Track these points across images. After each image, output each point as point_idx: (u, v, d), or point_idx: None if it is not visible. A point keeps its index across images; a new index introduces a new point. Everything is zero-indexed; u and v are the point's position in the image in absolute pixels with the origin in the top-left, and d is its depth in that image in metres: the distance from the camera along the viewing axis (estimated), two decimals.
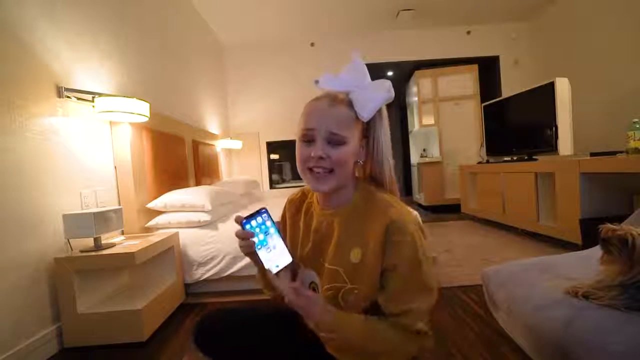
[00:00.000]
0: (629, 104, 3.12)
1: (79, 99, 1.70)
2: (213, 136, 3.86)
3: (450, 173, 4.69)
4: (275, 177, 5.01)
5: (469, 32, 4.65)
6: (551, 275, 1.10)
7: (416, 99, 4.95)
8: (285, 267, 0.67)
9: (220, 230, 2.10)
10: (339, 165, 0.67)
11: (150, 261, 1.70)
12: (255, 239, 0.66)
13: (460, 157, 4.64)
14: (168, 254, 1.88)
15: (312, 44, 4.69)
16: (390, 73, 5.44)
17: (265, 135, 4.77)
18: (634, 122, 2.07)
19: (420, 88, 4.87)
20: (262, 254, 0.65)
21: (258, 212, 0.68)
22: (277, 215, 0.81)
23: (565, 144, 2.75)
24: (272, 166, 4.93)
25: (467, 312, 1.61)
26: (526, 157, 3.08)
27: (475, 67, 4.77)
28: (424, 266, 0.65)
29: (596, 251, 1.01)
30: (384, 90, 0.68)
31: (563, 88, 2.75)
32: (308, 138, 0.68)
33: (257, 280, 0.82)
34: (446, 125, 4.79)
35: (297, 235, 0.80)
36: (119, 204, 1.97)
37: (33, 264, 1.42)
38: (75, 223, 1.51)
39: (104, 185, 1.88)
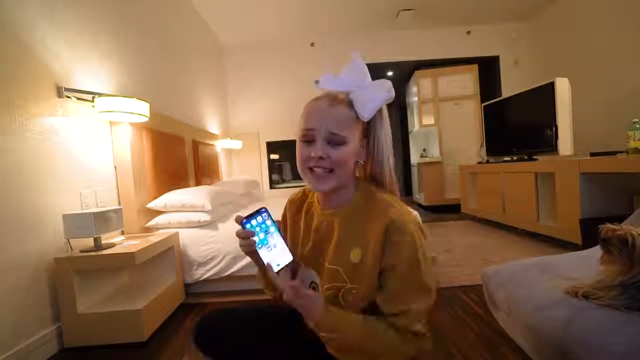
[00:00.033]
0: (629, 104, 3.12)
1: (79, 99, 1.70)
2: (213, 136, 3.86)
3: (450, 173, 4.69)
4: (275, 177, 5.01)
5: (469, 32, 4.65)
6: (551, 275, 1.10)
7: (416, 99, 4.95)
8: (286, 265, 0.67)
9: (220, 230, 2.10)
10: (339, 166, 0.67)
11: (150, 261, 1.70)
12: (255, 238, 0.66)
13: (460, 157, 4.64)
14: (168, 254, 1.88)
15: (312, 44, 4.69)
16: (390, 73, 5.44)
17: (265, 135, 4.77)
18: (634, 122, 2.07)
19: (420, 88, 4.87)
20: (262, 253, 0.65)
21: (258, 212, 0.68)
22: (277, 215, 0.82)
23: (565, 144, 2.75)
24: (272, 166, 4.93)
25: (467, 312, 1.61)
26: (526, 157, 3.08)
27: (475, 67, 4.77)
28: (423, 266, 0.65)
29: (596, 251, 1.01)
30: (385, 90, 0.68)
31: (563, 88, 2.75)
32: (308, 138, 0.68)
33: (258, 280, 0.82)
34: (446, 125, 4.79)
35: (298, 234, 0.80)
36: (119, 204, 1.97)
37: (33, 264, 1.42)
38: (75, 223, 1.51)
39: (104, 185, 1.88)
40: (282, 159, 5.09)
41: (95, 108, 1.74)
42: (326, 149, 0.66)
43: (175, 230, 2.05)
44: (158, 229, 2.09)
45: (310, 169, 0.69)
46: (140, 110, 1.85)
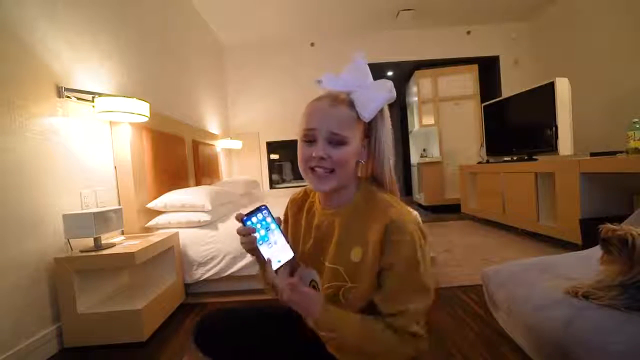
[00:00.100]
0: (629, 104, 3.12)
1: (79, 99, 1.70)
2: (213, 136, 3.86)
3: (450, 173, 4.69)
4: (275, 177, 5.01)
5: (469, 32, 4.65)
6: (551, 275, 1.10)
7: (416, 99, 4.95)
8: (287, 262, 0.67)
9: (220, 230, 2.10)
10: (340, 166, 0.67)
11: (150, 261, 1.70)
12: (256, 235, 0.66)
13: (460, 157, 4.64)
14: (168, 254, 1.88)
15: (312, 44, 4.69)
16: (390, 73, 5.44)
17: (265, 135, 4.77)
18: (634, 122, 2.07)
19: (420, 88, 4.87)
20: (263, 249, 0.66)
21: (258, 209, 0.68)
22: (278, 214, 0.82)
23: (565, 144, 2.75)
24: (272, 166, 4.93)
25: (467, 312, 1.61)
26: (526, 157, 3.08)
27: (475, 67, 4.77)
28: (422, 266, 0.65)
29: (596, 251, 1.01)
30: (386, 90, 0.68)
31: (563, 88, 2.75)
32: (309, 138, 0.68)
33: (259, 280, 0.82)
34: (446, 125, 4.79)
35: (299, 234, 0.80)
36: (119, 204, 1.97)
37: (33, 264, 1.42)
38: (75, 223, 1.51)
39: (104, 185, 1.88)
40: (282, 159, 5.09)
41: (95, 108, 1.74)
42: (327, 149, 0.67)
43: (175, 230, 2.05)
44: (158, 229, 2.10)
45: (312, 169, 0.69)
46: (140, 110, 1.85)
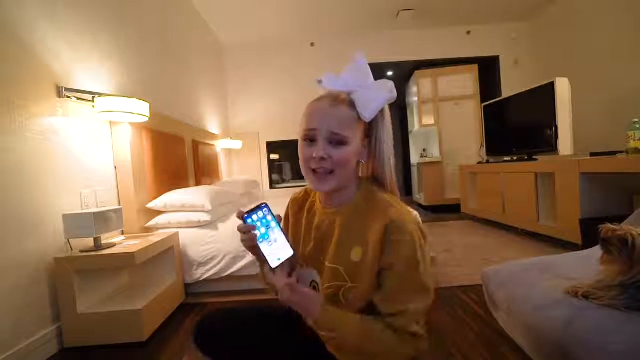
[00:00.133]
0: (629, 104, 3.12)
1: (79, 99, 1.70)
2: (213, 136, 3.86)
3: (450, 173, 4.69)
4: (275, 177, 5.01)
5: (469, 32, 4.65)
6: (551, 275, 1.10)
7: (416, 99, 4.95)
8: (287, 260, 0.67)
9: (220, 230, 2.10)
10: (341, 166, 0.67)
11: (150, 261, 1.70)
12: (257, 233, 0.66)
13: (460, 157, 4.64)
14: (168, 254, 1.88)
15: (312, 44, 4.69)
16: (390, 73, 5.44)
17: (265, 135, 4.77)
18: (634, 122, 2.07)
19: (420, 88, 4.87)
20: (263, 247, 0.66)
21: (259, 207, 0.68)
22: (278, 213, 0.82)
23: (565, 144, 2.75)
24: (272, 166, 4.93)
25: (467, 312, 1.61)
26: (526, 157, 3.08)
27: (475, 67, 4.77)
28: (422, 266, 0.65)
29: (596, 251, 1.01)
30: (387, 90, 0.68)
31: (563, 88, 2.75)
32: (310, 138, 0.68)
33: (260, 280, 0.82)
34: (446, 125, 4.79)
35: (299, 233, 0.80)
36: (119, 204, 1.97)
37: (33, 264, 1.42)
38: (75, 223, 1.51)
39: (104, 185, 1.88)
40: (282, 159, 5.09)
41: (95, 108, 1.74)
42: (328, 149, 0.67)
43: (175, 230, 2.05)
44: (158, 229, 2.10)
45: (313, 171, 0.69)
46: (140, 110, 1.85)
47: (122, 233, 1.96)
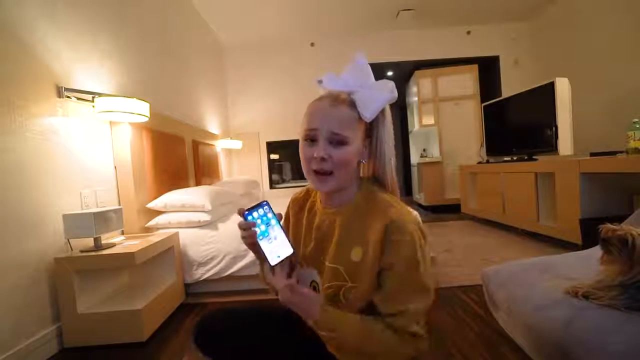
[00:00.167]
0: (629, 104, 3.12)
1: (79, 99, 1.70)
2: (213, 136, 3.86)
3: (450, 173, 4.69)
4: (275, 177, 5.01)
5: (469, 32, 4.65)
6: (551, 275, 1.10)
7: (416, 99, 4.95)
8: (287, 258, 0.67)
9: (220, 230, 2.10)
10: (341, 166, 0.67)
11: (150, 261, 1.70)
12: (257, 230, 0.66)
13: (460, 157, 4.64)
14: (168, 254, 1.88)
15: (312, 44, 4.69)
16: (390, 73, 5.45)
17: (265, 135, 4.77)
18: (634, 122, 2.07)
19: (420, 88, 4.87)
20: (263, 244, 0.66)
21: (260, 205, 0.69)
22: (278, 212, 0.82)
23: (565, 144, 2.75)
24: (272, 166, 4.93)
25: (467, 312, 1.61)
26: (526, 157, 3.08)
27: (475, 67, 4.77)
28: (422, 267, 0.65)
29: (596, 251, 1.01)
30: (387, 90, 0.68)
31: (563, 88, 2.75)
32: (311, 138, 0.68)
33: (261, 280, 0.82)
34: (446, 125, 4.79)
35: (300, 233, 0.80)
36: (119, 204, 1.97)
37: (33, 264, 1.42)
38: (75, 223, 1.51)
39: (104, 185, 1.88)
40: (282, 159, 5.09)
41: (95, 108, 1.74)
42: (328, 149, 0.67)
43: (175, 230, 2.05)
44: (158, 229, 2.10)
45: (314, 170, 0.69)
46: (140, 110, 1.85)
47: (122, 233, 1.96)
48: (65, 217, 1.52)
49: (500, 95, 4.35)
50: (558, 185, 2.48)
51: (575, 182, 2.29)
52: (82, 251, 1.54)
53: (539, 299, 0.98)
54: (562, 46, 4.01)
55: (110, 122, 1.96)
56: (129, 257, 1.49)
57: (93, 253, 1.51)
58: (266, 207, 0.69)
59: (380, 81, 0.70)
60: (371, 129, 0.72)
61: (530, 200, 2.81)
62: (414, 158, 5.44)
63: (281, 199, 2.86)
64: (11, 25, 1.40)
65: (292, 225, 0.84)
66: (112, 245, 1.64)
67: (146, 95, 2.29)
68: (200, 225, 2.11)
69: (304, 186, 0.88)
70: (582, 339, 0.78)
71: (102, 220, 1.57)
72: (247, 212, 0.67)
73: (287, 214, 0.87)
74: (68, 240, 1.56)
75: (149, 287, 1.78)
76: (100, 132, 1.89)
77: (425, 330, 0.67)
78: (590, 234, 2.05)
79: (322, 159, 0.66)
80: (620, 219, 1.11)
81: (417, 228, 0.67)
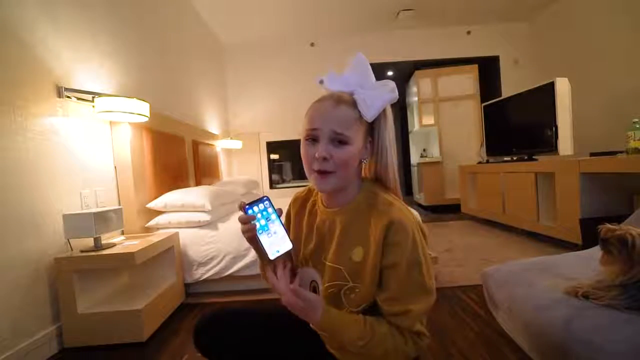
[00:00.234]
0: (629, 104, 3.12)
1: (79, 99, 1.70)
2: (213, 136, 3.86)
3: (450, 173, 4.69)
4: (275, 177, 5.01)
5: (469, 32, 4.65)
6: (551, 275, 1.10)
7: (416, 99, 4.95)
8: (286, 252, 0.67)
9: (220, 230, 2.10)
10: (342, 166, 0.67)
11: (150, 261, 1.70)
12: (257, 224, 0.67)
13: (460, 157, 4.64)
14: (168, 254, 1.88)
15: (312, 44, 4.69)
16: (390, 73, 5.45)
17: (265, 135, 4.77)
18: (634, 122, 2.07)
19: (420, 88, 4.87)
20: (263, 238, 0.67)
21: (260, 199, 0.69)
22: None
23: (565, 144, 2.75)
24: (272, 166, 4.93)
25: (467, 312, 1.61)
26: (526, 157, 3.08)
27: (475, 67, 4.77)
28: (424, 267, 0.65)
29: (596, 251, 1.01)
30: (388, 90, 0.68)
31: (563, 88, 2.75)
32: (312, 138, 0.68)
33: (263, 278, 0.81)
34: (446, 125, 4.79)
35: (301, 232, 0.80)
36: (119, 204, 1.97)
37: (33, 264, 1.42)
38: (75, 223, 1.51)
39: (104, 185, 1.88)
40: (282, 159, 5.09)
41: (95, 108, 1.74)
42: (329, 148, 0.67)
43: (175, 230, 2.05)
44: (158, 229, 2.10)
45: (315, 170, 0.69)
46: (140, 110, 1.85)
47: (122, 233, 1.96)
48: (65, 217, 1.52)
49: (500, 95, 4.34)
50: (558, 185, 2.48)
51: (575, 182, 2.29)
52: (82, 251, 1.54)
53: (539, 298, 0.98)
54: (561, 46, 4.01)
55: (110, 122, 1.96)
56: (129, 257, 1.49)
57: (93, 253, 1.51)
58: (267, 202, 0.70)
59: (381, 81, 0.70)
60: (372, 129, 0.72)
61: (530, 200, 2.81)
62: (414, 158, 5.44)
63: (281, 199, 2.86)
64: (12, 26, 1.40)
65: (293, 225, 0.84)
66: (112, 245, 1.64)
67: (146, 95, 2.28)
68: (200, 225, 2.11)
69: (304, 186, 0.88)
70: (582, 338, 0.78)
71: (102, 220, 1.57)
72: (247, 206, 0.68)
73: (288, 212, 0.87)
74: (68, 240, 1.56)
75: (149, 287, 1.78)
76: (100, 132, 1.89)
77: (426, 328, 0.67)
78: (590, 234, 2.05)
79: (324, 159, 0.66)
80: (620, 219, 1.12)
81: (418, 228, 0.67)
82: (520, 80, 4.40)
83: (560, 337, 0.82)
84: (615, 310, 0.81)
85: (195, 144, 3.15)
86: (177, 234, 1.99)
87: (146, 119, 1.95)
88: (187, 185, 2.80)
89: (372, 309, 0.68)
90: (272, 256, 0.65)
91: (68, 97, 1.64)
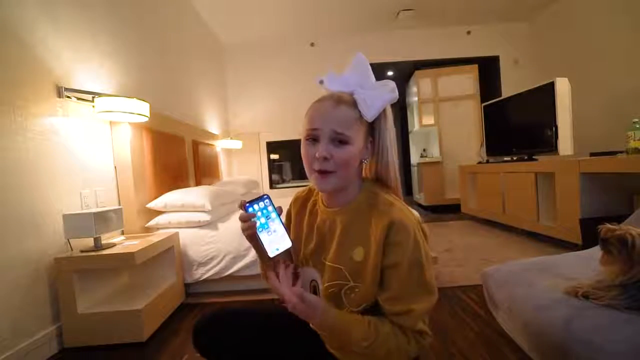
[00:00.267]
0: (629, 104, 3.12)
1: (79, 99, 1.70)
2: (213, 136, 3.86)
3: (450, 173, 4.69)
4: (275, 177, 5.01)
5: (469, 32, 4.65)
6: (551, 275, 1.10)
7: (416, 99, 4.95)
8: (285, 250, 0.68)
9: (221, 230, 2.10)
10: (343, 166, 0.67)
11: (150, 261, 1.70)
12: (257, 222, 0.67)
13: (460, 157, 4.64)
14: (168, 254, 1.88)
15: (312, 44, 4.69)
16: (390, 73, 5.44)
17: (265, 135, 4.77)
18: (634, 122, 2.07)
19: (420, 88, 4.87)
20: (263, 236, 0.67)
21: (260, 198, 0.70)
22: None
23: (565, 144, 2.75)
24: (272, 166, 4.93)
25: (467, 312, 1.61)
26: (526, 157, 3.08)
27: (475, 67, 4.77)
28: (425, 267, 0.65)
29: (596, 251, 1.01)
30: (388, 90, 0.68)
31: (563, 88, 2.75)
32: (313, 137, 0.68)
33: (263, 277, 0.81)
34: (446, 125, 4.79)
35: (301, 232, 0.80)
36: (119, 204, 1.97)
37: (33, 264, 1.42)
38: (75, 223, 1.51)
39: (104, 185, 1.88)
40: (282, 159, 5.09)
41: (95, 108, 1.74)
42: (330, 148, 0.66)
43: (175, 230, 2.05)
44: (158, 229, 2.10)
45: (316, 170, 0.69)
46: (140, 110, 1.85)
47: (122, 233, 1.96)
48: (65, 217, 1.52)
49: (500, 95, 4.34)
50: (558, 185, 2.48)
51: (575, 182, 2.29)
52: (82, 251, 1.54)
53: (539, 298, 0.98)
54: (561, 46, 4.01)
55: (110, 122, 1.96)
56: (129, 257, 1.49)
57: (93, 253, 1.51)
58: (267, 200, 0.70)
59: (381, 81, 0.70)
60: (373, 129, 0.72)
61: (530, 200, 2.81)
62: (414, 158, 5.44)
63: (281, 199, 2.86)
64: (12, 26, 1.40)
65: (293, 225, 0.84)
66: (112, 245, 1.64)
67: (146, 95, 2.28)
68: (200, 225, 2.11)
69: (304, 186, 0.88)
70: (582, 338, 0.78)
71: (102, 220, 1.57)
72: (247, 205, 0.68)
73: (288, 212, 0.87)
74: (68, 240, 1.56)
75: (149, 287, 1.78)
76: (100, 132, 1.89)
77: (428, 327, 0.67)
78: (590, 234, 2.05)
79: (324, 159, 0.66)
80: (620, 219, 1.11)
81: (419, 228, 0.67)
82: (520, 80, 4.40)
83: (560, 337, 0.82)
84: (615, 310, 0.81)
85: (195, 144, 3.15)
86: (177, 234, 1.99)
87: (146, 119, 1.95)
88: (187, 185, 2.80)
89: (373, 309, 0.68)
90: (271, 254, 0.66)
91: (68, 97, 1.64)
